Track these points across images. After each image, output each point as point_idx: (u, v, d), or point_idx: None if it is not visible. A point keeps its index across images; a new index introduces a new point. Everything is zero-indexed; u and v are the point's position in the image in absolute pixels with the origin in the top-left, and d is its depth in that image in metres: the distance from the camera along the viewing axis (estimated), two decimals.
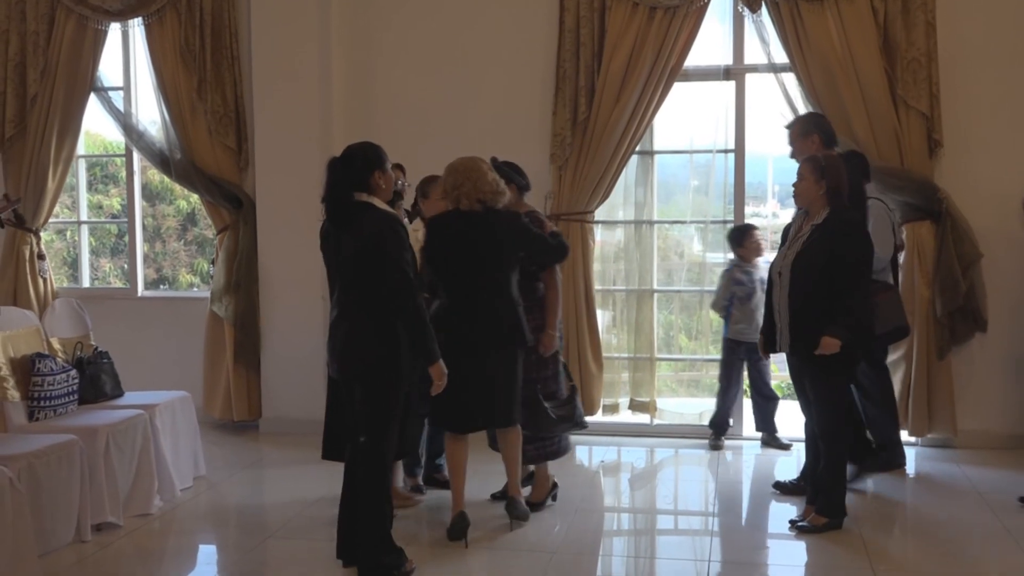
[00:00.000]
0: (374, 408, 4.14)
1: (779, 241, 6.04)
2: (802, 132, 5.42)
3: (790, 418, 6.40)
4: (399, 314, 4.09)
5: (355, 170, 4.14)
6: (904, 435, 6.20)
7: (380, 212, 4.13)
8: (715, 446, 6.33)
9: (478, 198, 4.65)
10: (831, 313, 4.56)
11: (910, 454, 6.20)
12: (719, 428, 6.39)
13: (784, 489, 5.40)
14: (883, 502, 5.46)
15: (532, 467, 5.27)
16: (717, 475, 5.89)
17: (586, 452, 6.40)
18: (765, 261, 6.36)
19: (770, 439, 6.39)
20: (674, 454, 6.34)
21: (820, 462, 4.81)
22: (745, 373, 6.39)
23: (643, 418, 6.65)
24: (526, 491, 5.17)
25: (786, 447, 6.32)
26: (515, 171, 5.11)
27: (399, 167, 5.33)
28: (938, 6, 6.00)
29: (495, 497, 5.24)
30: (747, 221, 6.59)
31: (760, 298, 6.03)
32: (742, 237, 6.33)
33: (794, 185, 4.78)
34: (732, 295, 6.26)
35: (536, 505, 5.11)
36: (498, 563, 4.56)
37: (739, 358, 6.29)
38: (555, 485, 5.25)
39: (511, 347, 4.72)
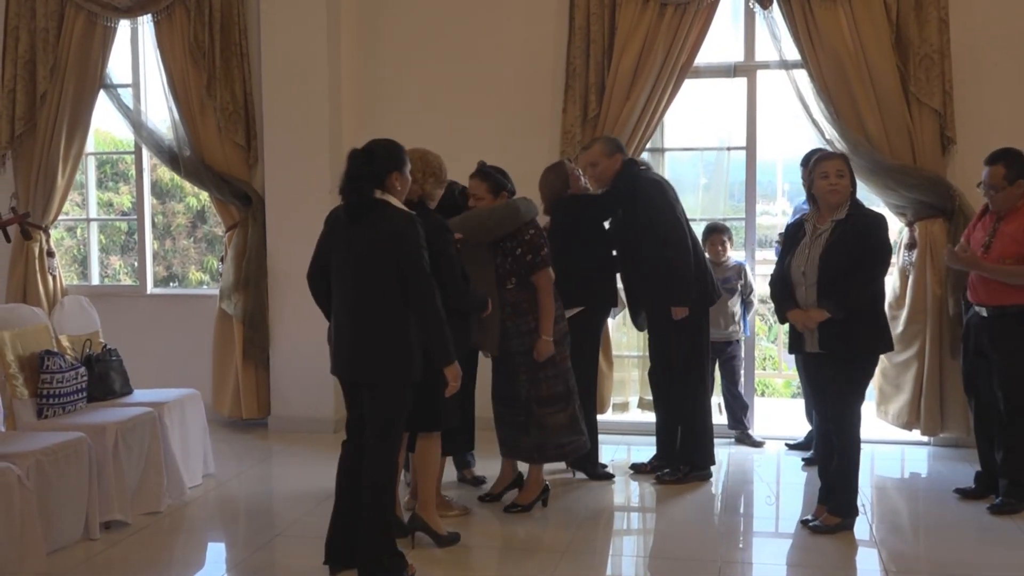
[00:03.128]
0: (383, 410, 4.09)
1: (775, 241, 6.04)
2: (607, 152, 5.50)
3: (795, 418, 6.44)
4: (418, 314, 4.03)
5: (375, 167, 4.05)
6: (916, 434, 6.19)
7: (399, 211, 4.05)
8: (739, 439, 6.43)
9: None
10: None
11: (923, 453, 6.19)
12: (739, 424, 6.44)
13: (639, 469, 5.80)
14: (896, 502, 5.44)
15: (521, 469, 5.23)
16: (729, 473, 5.86)
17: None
18: (736, 262, 6.37)
19: (743, 436, 6.42)
20: None
21: (832, 460, 4.79)
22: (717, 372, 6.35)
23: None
24: (513, 492, 5.19)
25: (759, 444, 6.35)
26: (501, 174, 5.08)
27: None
28: (951, 2, 5.95)
29: (482, 499, 5.27)
30: (720, 220, 6.44)
31: (732, 300, 6.23)
32: (705, 237, 6.27)
33: (832, 183, 4.67)
34: None
35: (522, 507, 5.08)
36: (506, 563, 4.54)
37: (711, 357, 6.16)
38: (547, 489, 5.18)
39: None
